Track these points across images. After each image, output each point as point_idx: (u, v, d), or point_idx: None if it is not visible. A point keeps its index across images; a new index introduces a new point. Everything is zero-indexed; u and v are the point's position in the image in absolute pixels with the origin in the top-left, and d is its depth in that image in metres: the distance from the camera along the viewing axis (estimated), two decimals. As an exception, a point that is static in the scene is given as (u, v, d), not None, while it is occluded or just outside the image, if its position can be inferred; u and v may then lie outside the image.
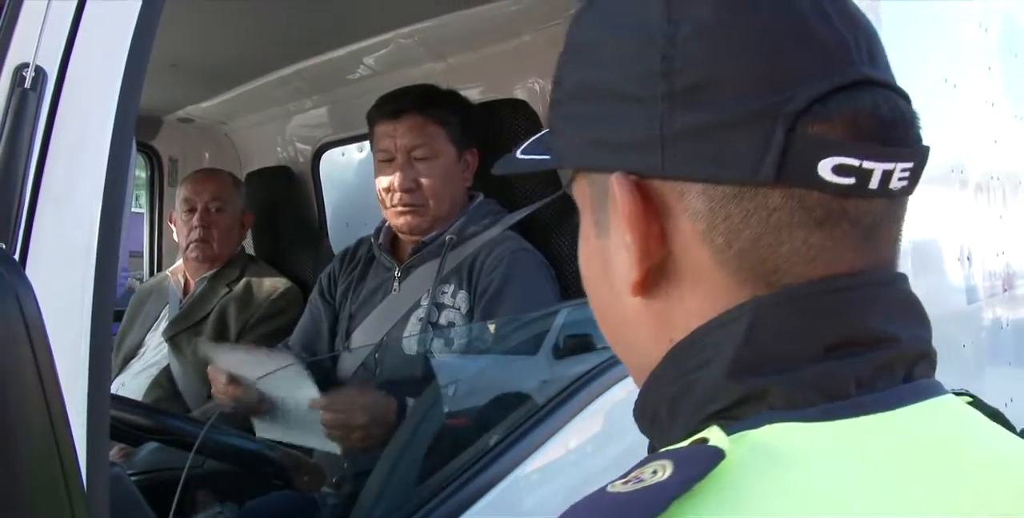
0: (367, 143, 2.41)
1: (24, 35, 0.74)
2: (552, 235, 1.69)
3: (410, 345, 1.56)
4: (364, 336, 1.63)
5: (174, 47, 1.78)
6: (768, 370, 0.43)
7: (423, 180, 1.63)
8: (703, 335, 0.46)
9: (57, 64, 0.75)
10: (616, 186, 0.46)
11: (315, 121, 2.44)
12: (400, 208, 1.62)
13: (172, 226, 2.26)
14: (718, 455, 0.38)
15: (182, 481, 1.02)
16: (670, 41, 0.44)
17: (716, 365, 0.44)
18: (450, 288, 1.57)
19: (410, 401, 1.38)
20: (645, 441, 0.50)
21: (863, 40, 0.45)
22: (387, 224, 1.74)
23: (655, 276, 0.47)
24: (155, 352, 2.12)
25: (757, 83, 0.43)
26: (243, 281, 2.15)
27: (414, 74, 1.99)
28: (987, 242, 2.19)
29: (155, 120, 2.54)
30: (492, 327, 1.50)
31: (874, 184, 0.43)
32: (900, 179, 0.44)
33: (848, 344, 0.43)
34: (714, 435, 0.40)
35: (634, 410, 0.50)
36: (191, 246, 2.13)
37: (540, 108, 1.78)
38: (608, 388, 1.21)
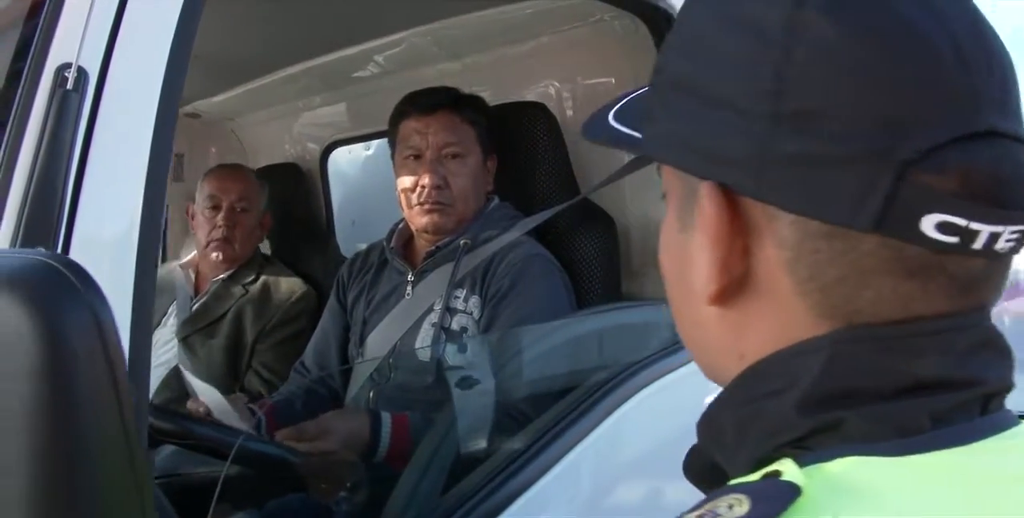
0: (375, 142, 2.40)
1: (66, 35, 0.72)
2: (569, 240, 1.66)
3: (423, 351, 1.53)
4: (378, 341, 1.60)
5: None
6: (838, 406, 0.42)
7: (453, 179, 1.59)
8: (777, 364, 0.45)
9: (99, 64, 0.73)
10: (706, 198, 0.45)
11: (324, 119, 2.42)
12: (427, 206, 1.58)
13: (190, 219, 2.17)
14: (795, 491, 0.38)
15: (219, 488, 1.01)
16: (786, 57, 0.42)
17: (788, 396, 0.43)
18: (463, 293, 1.54)
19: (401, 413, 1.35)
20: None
21: (997, 85, 0.42)
22: (400, 228, 1.71)
23: (733, 289, 0.46)
24: (164, 349, 2.07)
25: (873, 121, 0.40)
26: (259, 283, 2.10)
27: (428, 73, 1.97)
28: None
29: (162, 115, 2.51)
30: (499, 332, 1.47)
31: (978, 245, 0.41)
32: (1008, 241, 0.41)
33: (923, 387, 0.42)
34: (787, 468, 0.39)
35: (699, 423, 0.49)
36: (212, 244, 2.06)
37: (558, 111, 1.76)
38: (633, 394, 1.20)
